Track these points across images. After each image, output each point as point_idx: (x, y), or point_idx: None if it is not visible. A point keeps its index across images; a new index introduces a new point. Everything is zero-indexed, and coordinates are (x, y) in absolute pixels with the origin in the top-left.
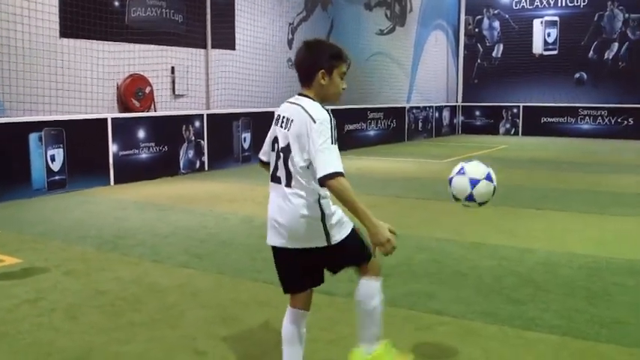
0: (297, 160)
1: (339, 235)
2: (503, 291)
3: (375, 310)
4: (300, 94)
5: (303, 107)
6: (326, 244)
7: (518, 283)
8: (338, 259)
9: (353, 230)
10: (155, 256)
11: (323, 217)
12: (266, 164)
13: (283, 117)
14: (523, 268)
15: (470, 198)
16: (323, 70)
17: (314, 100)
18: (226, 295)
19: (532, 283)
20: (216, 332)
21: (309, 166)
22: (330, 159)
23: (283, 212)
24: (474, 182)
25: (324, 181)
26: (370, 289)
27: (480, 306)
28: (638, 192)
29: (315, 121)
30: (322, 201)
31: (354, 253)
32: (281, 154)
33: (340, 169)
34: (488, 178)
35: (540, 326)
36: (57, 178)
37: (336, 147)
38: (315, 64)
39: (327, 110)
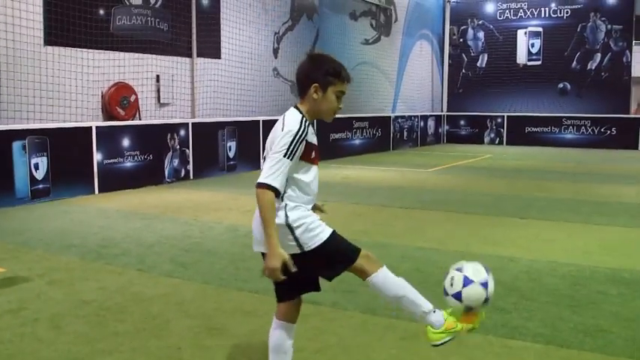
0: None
1: (312, 242)
2: None
3: (401, 296)
4: (294, 106)
5: (284, 116)
6: (299, 252)
7: (502, 292)
8: (324, 266)
9: (332, 235)
10: (140, 266)
11: (289, 224)
12: None
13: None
14: (507, 276)
15: (458, 295)
16: (317, 85)
17: (302, 112)
18: (211, 305)
19: (516, 291)
20: (201, 342)
21: None
22: (269, 169)
23: (255, 219)
24: (467, 282)
25: (256, 187)
26: (379, 283)
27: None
28: (621, 201)
29: (283, 129)
30: (288, 208)
31: (338, 258)
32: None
33: (271, 183)
34: (484, 285)
35: (524, 335)
36: (41, 186)
37: (286, 161)
38: (310, 77)
39: (303, 123)
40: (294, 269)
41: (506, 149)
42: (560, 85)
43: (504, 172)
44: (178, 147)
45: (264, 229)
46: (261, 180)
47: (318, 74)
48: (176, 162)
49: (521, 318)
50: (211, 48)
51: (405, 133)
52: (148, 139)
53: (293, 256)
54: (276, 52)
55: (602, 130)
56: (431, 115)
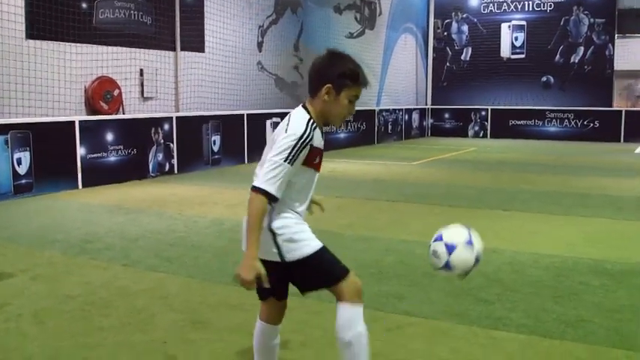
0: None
1: (293, 254)
2: (471, 291)
3: (354, 344)
4: (302, 104)
5: (290, 116)
6: (279, 260)
7: (486, 283)
8: (300, 279)
9: (318, 251)
10: (124, 260)
11: (272, 230)
12: None
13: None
14: (491, 268)
15: (447, 266)
16: (330, 86)
17: (309, 113)
18: (196, 299)
19: (500, 283)
20: (187, 336)
21: None
22: (267, 173)
23: (244, 218)
24: (450, 248)
25: (250, 190)
26: (344, 316)
27: (449, 306)
28: (603, 193)
29: (286, 131)
30: (275, 212)
31: (318, 275)
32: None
33: (268, 189)
34: (469, 243)
35: (508, 325)
36: (23, 181)
37: (286, 166)
38: (324, 75)
39: (309, 126)
40: (266, 285)
41: (491, 142)
42: (544, 79)
43: (488, 164)
44: (162, 141)
45: (247, 235)
46: (257, 184)
47: (333, 74)
48: (160, 156)
49: (505, 309)
50: (195, 42)
51: (390, 127)
52: (131, 134)
53: (269, 262)
54: (260, 45)
55: (585, 123)
56: (415, 109)
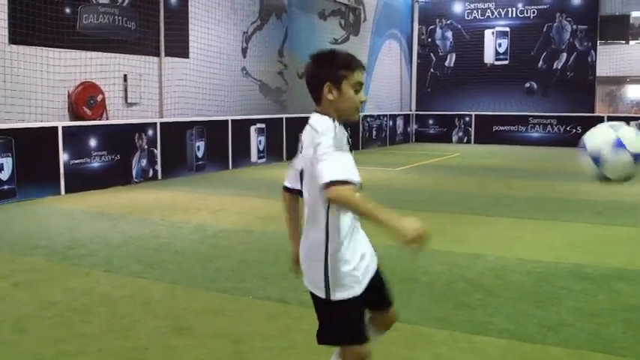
0: (308, 185)
1: (340, 294)
2: (453, 296)
3: None
4: (314, 110)
5: (310, 124)
6: (324, 297)
7: (468, 288)
8: (321, 324)
9: (352, 300)
10: (107, 266)
11: (326, 262)
12: (289, 191)
13: (301, 141)
14: (473, 273)
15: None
16: (329, 83)
17: (322, 114)
18: (179, 305)
19: (482, 288)
20: (169, 342)
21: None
22: (327, 167)
23: (302, 249)
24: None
25: (325, 195)
26: None
27: (431, 312)
28: (585, 198)
29: (317, 132)
30: (330, 240)
31: (334, 326)
32: (301, 180)
33: (337, 177)
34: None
35: (489, 330)
36: (6, 187)
37: (339, 154)
38: (319, 77)
39: (334, 123)
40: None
41: (475, 148)
42: (527, 85)
43: (472, 170)
44: (146, 147)
45: (373, 221)
46: (323, 181)
47: (327, 71)
48: (144, 162)
49: (487, 314)
50: (179, 47)
51: (374, 132)
52: (115, 139)
53: (316, 297)
54: (244, 51)
55: (567, 128)
56: (399, 115)
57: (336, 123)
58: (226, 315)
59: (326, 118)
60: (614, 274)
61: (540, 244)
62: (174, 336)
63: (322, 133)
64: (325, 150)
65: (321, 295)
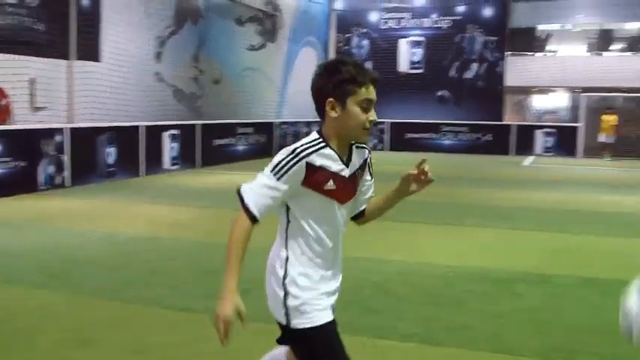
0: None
1: (298, 320)
2: (361, 302)
3: None
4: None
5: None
6: (285, 323)
7: (376, 293)
8: (299, 354)
9: (322, 327)
10: (7, 278)
11: (284, 285)
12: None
13: None
14: (380, 278)
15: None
16: (331, 99)
17: (320, 134)
18: (82, 316)
19: (390, 293)
20: (70, 355)
21: (286, 210)
22: (250, 184)
23: (267, 276)
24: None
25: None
26: None
27: (339, 317)
28: (493, 204)
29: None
30: (289, 263)
31: (306, 355)
32: None
33: (247, 198)
34: None
35: (395, 334)
36: None
37: (270, 177)
38: (322, 92)
39: (311, 142)
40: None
41: (389, 154)
42: (440, 93)
43: (385, 176)
44: (54, 153)
45: (225, 261)
46: (240, 189)
47: (330, 86)
48: (51, 169)
49: (393, 318)
50: (91, 51)
51: (290, 139)
52: (20, 145)
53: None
54: (158, 56)
55: (478, 136)
56: (315, 121)
57: (321, 142)
58: (130, 325)
59: (310, 136)
60: (516, 277)
61: (448, 249)
62: (76, 348)
63: (279, 152)
64: (265, 170)
65: (283, 320)
